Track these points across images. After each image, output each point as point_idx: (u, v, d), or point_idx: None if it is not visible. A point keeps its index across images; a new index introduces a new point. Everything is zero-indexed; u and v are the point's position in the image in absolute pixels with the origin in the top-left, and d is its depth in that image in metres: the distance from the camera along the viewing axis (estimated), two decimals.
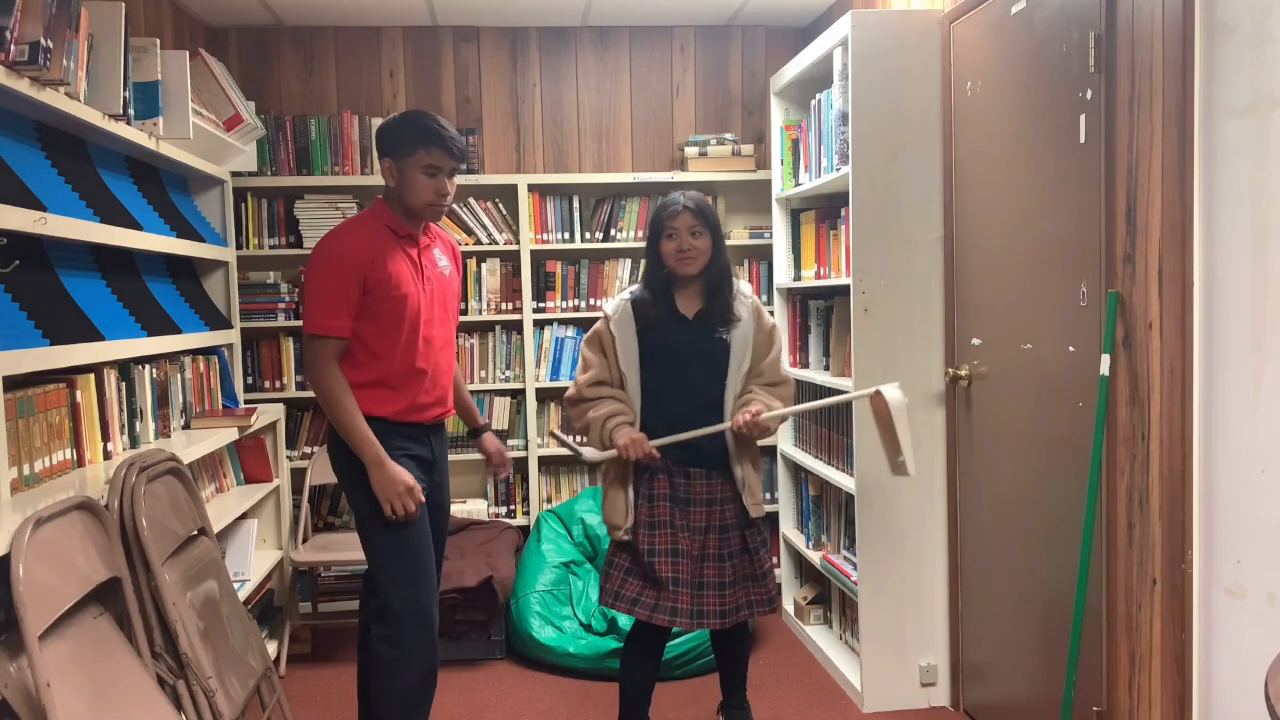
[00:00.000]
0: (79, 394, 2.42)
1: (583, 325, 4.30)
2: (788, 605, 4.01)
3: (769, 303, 4.13)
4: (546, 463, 4.37)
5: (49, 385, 2.30)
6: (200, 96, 3.50)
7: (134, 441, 2.74)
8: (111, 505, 2.18)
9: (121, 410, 2.66)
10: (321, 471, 4.00)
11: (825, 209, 3.60)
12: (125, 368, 2.71)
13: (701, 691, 3.14)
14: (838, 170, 3.27)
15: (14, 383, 2.13)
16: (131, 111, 2.79)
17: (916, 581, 3.20)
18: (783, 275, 3.97)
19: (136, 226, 2.80)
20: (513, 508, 4.36)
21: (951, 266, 3.12)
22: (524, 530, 4.28)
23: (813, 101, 3.55)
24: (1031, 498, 2.73)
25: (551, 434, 2.63)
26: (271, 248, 4.19)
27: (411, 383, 2.58)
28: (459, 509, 4.21)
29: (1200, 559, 2.11)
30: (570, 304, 4.35)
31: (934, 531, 3.19)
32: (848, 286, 3.16)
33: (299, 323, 4.14)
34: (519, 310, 4.29)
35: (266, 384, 4.18)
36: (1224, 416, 2.05)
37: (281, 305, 4.17)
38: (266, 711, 2.60)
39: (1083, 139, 2.43)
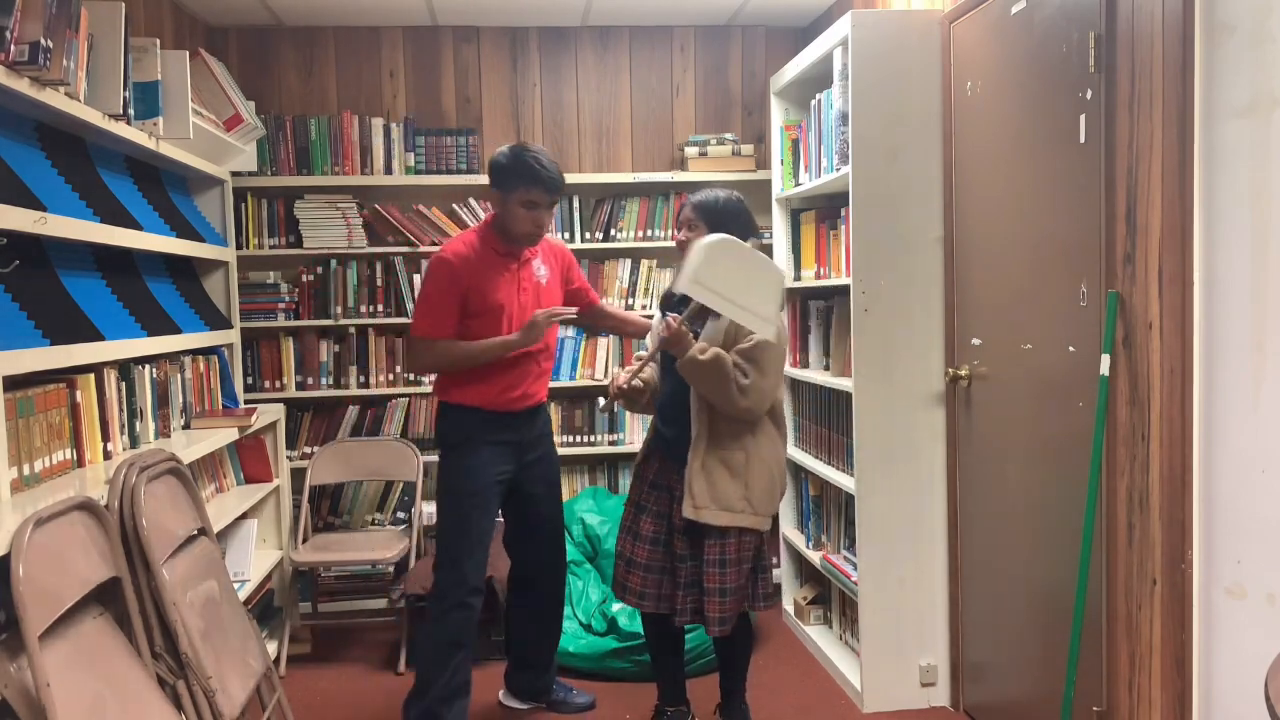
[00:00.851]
0: (79, 394, 2.42)
1: (583, 325, 4.29)
2: (788, 605, 4.01)
3: None
4: None
5: (49, 385, 2.30)
6: (200, 96, 3.50)
7: (134, 441, 2.74)
8: (111, 505, 2.18)
9: (121, 410, 2.67)
10: (321, 471, 4.00)
11: (825, 209, 3.60)
12: (125, 368, 2.71)
13: (702, 691, 3.14)
14: (838, 170, 3.27)
15: (14, 383, 2.13)
16: (131, 111, 2.80)
17: (916, 582, 3.20)
18: None
19: (136, 226, 2.80)
20: None
21: (951, 266, 3.12)
22: None
23: (813, 101, 3.55)
24: (1031, 498, 2.73)
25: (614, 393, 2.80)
26: (271, 248, 4.19)
27: (502, 376, 2.91)
28: None
29: (1200, 559, 2.11)
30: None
31: (934, 531, 3.19)
32: (848, 286, 3.16)
33: (299, 323, 4.19)
34: None
35: (266, 384, 4.18)
36: (1224, 416, 2.05)
37: (281, 305, 4.17)
38: (266, 711, 2.60)
39: (1083, 139, 2.43)
